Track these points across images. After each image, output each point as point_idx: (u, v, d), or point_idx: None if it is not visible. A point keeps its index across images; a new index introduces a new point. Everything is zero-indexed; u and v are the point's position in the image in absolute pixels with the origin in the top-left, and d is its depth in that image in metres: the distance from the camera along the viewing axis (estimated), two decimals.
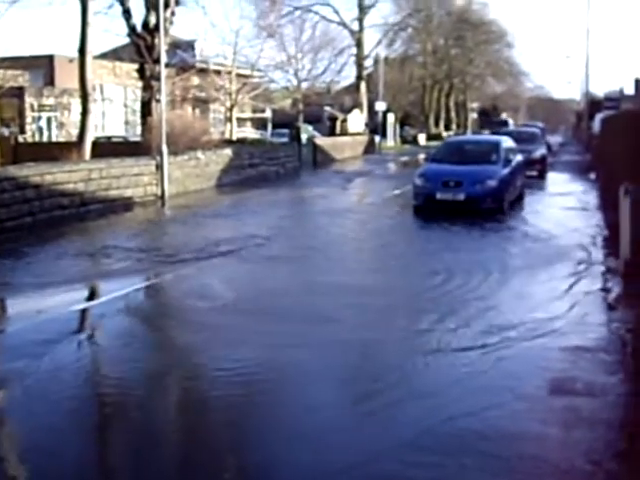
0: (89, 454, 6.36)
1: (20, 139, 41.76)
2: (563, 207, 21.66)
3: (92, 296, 12.07)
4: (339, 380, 7.94)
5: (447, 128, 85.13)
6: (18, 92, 43.90)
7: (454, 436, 6.24)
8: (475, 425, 6.42)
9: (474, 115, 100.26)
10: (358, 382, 7.79)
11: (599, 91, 68.03)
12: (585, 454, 5.92)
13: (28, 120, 45.99)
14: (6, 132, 39.86)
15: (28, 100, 45.94)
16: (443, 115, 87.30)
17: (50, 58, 52.02)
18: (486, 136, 36.19)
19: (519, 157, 23.06)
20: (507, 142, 23.01)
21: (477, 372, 7.76)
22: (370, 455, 5.92)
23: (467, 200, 19.50)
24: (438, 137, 69.26)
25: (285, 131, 53.40)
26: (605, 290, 11.37)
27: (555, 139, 59.12)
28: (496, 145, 22.15)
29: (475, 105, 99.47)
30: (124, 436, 6.72)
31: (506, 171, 20.71)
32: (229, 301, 11.15)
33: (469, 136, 53.77)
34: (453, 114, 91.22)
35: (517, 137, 27.14)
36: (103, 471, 6.15)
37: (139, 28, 30.64)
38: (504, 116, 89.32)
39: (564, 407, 6.89)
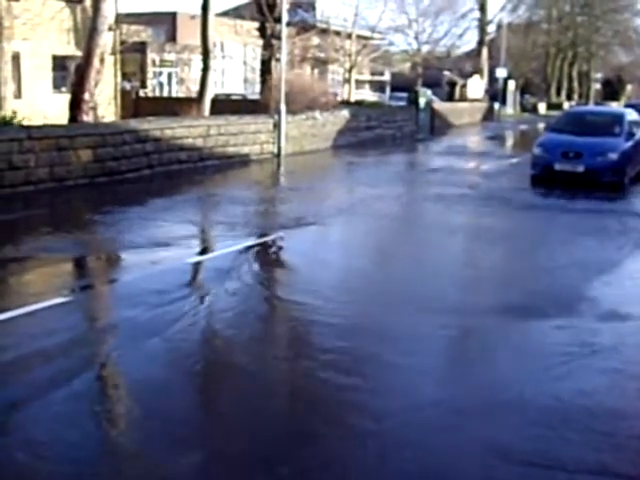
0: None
1: (141, 93, 42.58)
2: None
3: (204, 250, 12.23)
4: None
5: (569, 98, 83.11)
6: (141, 47, 44.69)
7: None
8: None
9: (597, 86, 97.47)
10: None
11: None
12: None
13: (149, 75, 46.86)
14: (128, 86, 40.57)
15: (150, 55, 46.78)
16: (565, 84, 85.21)
17: (173, 15, 52.91)
18: (609, 107, 35.16)
19: None
20: (631, 114, 22.20)
21: None
22: None
23: (586, 172, 19.00)
24: (559, 107, 67.63)
25: (403, 95, 53.00)
26: None
27: None
28: (619, 117, 21.34)
29: (599, 75, 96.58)
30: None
31: (629, 144, 20.01)
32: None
33: (591, 107, 52.43)
34: (575, 84, 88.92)
35: None
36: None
37: None
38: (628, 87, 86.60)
39: None
